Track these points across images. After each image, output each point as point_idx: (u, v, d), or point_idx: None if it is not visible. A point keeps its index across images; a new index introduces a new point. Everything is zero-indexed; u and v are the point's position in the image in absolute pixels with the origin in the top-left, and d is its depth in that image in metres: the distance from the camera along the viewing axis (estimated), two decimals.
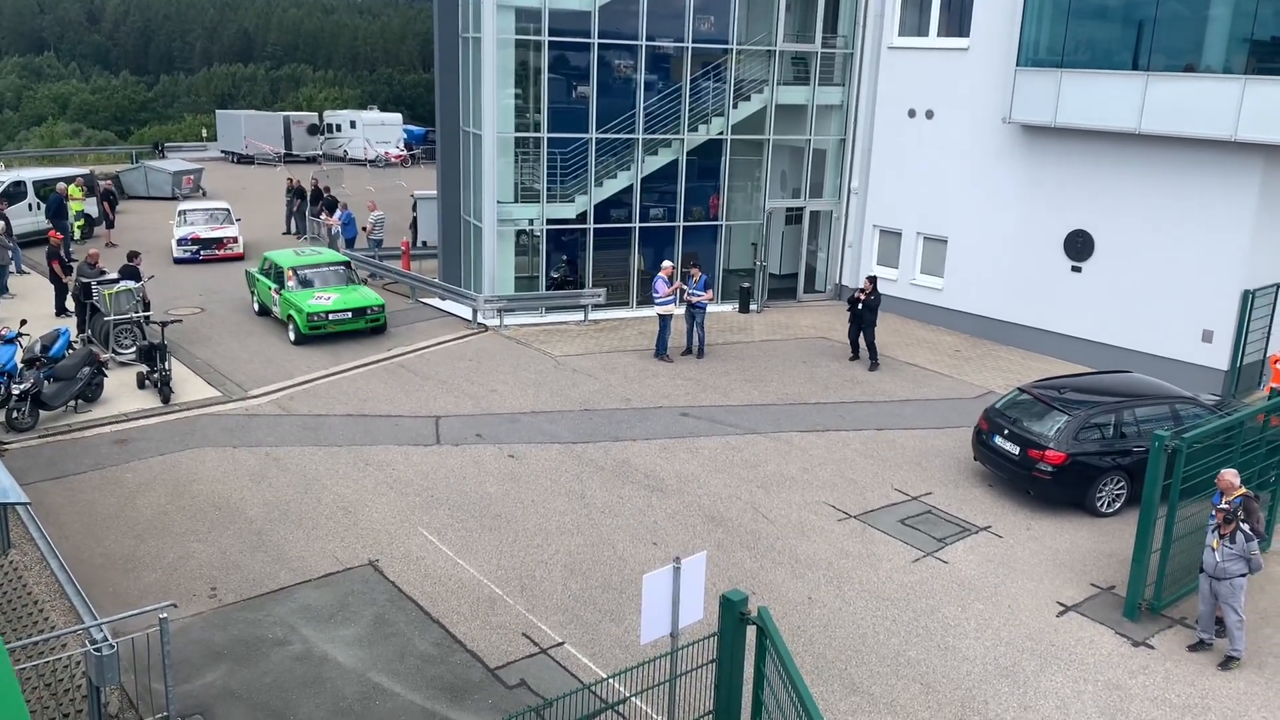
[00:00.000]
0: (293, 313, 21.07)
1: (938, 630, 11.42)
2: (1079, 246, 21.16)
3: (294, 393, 18.44)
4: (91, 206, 32.05)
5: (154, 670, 9.35)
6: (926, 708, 10.09)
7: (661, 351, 20.90)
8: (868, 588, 12.28)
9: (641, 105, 23.65)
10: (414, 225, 31.22)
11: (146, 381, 18.02)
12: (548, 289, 24.42)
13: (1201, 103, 18.43)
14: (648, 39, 23.34)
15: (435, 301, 24.85)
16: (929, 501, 14.68)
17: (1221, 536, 10.63)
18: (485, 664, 10.57)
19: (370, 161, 53.53)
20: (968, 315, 23.42)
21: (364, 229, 29.93)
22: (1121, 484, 14.21)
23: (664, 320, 20.79)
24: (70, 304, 22.07)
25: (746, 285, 25.00)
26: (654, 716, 9.60)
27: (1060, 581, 12.57)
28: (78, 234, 30.15)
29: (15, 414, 16.02)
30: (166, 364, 17.81)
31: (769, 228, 26.33)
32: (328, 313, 21.03)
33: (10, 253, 25.89)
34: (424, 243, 29.90)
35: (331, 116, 59.76)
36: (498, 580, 12.18)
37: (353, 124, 57.07)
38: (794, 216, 27.18)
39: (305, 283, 21.81)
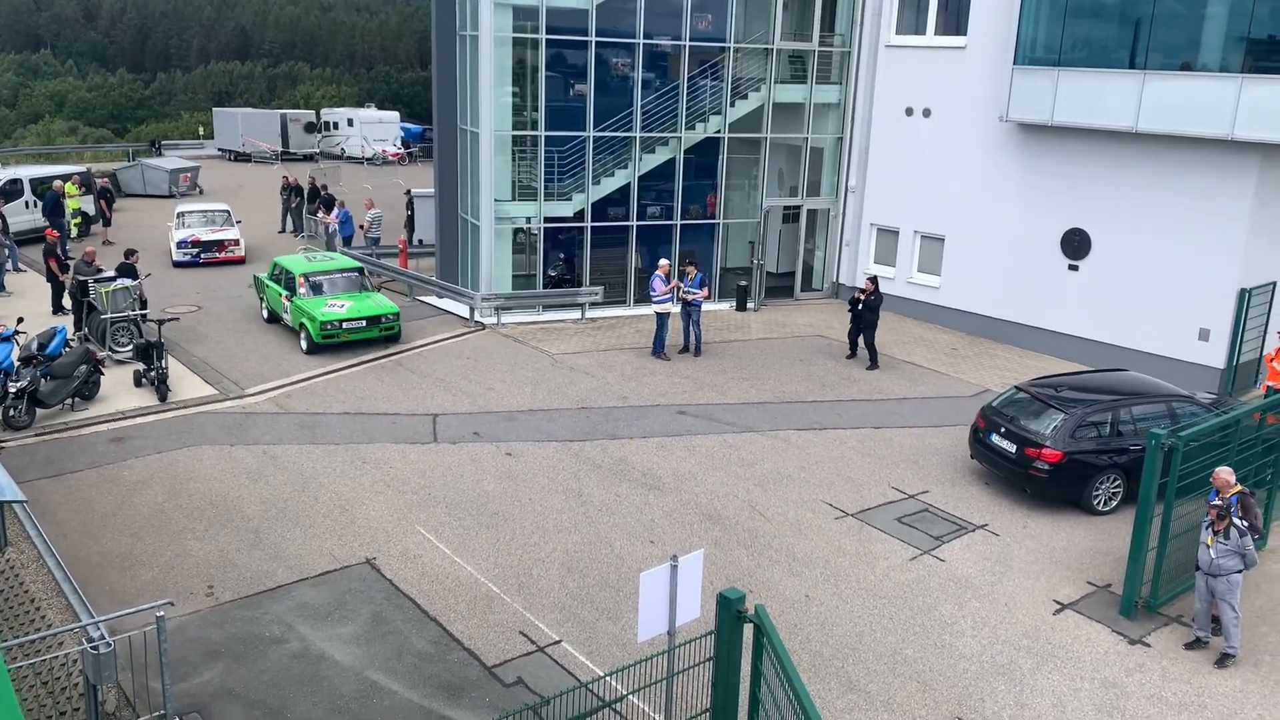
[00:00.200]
0: (305, 321, 20.44)
1: (934, 628, 11.44)
2: (1076, 245, 21.19)
3: (291, 391, 18.43)
4: (88, 204, 32.04)
5: (151, 668, 9.34)
6: (923, 705, 10.10)
7: (659, 349, 20.91)
8: (865, 586, 12.29)
9: (639, 103, 23.65)
10: (409, 223, 31.15)
11: (143, 379, 18.01)
12: (545, 287, 24.42)
13: (1198, 101, 18.45)
14: (645, 37, 23.34)
15: (433, 299, 24.84)
16: (926, 500, 14.70)
17: (1216, 533, 10.66)
18: (482, 662, 10.57)
19: (367, 159, 53.50)
20: (965, 313, 23.45)
21: (361, 227, 29.90)
22: (1118, 482, 14.23)
23: (661, 318, 20.81)
24: (67, 302, 22.05)
25: (744, 283, 25.01)
26: (651, 715, 9.61)
27: (1057, 579, 12.59)
28: (74, 232, 30.13)
29: (12, 412, 16.00)
30: (163, 362, 17.80)
31: (766, 226, 26.35)
32: (341, 321, 20.32)
33: (7, 250, 25.86)
34: (420, 240, 29.87)
35: (329, 114, 59.74)
36: (495, 578, 12.18)
37: (350, 122, 57.06)
38: (791, 215, 27.21)
39: (317, 289, 21.13)
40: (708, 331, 22.00)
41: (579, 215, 23.93)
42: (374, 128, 56.38)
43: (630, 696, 9.17)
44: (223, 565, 12.26)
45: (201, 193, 40.86)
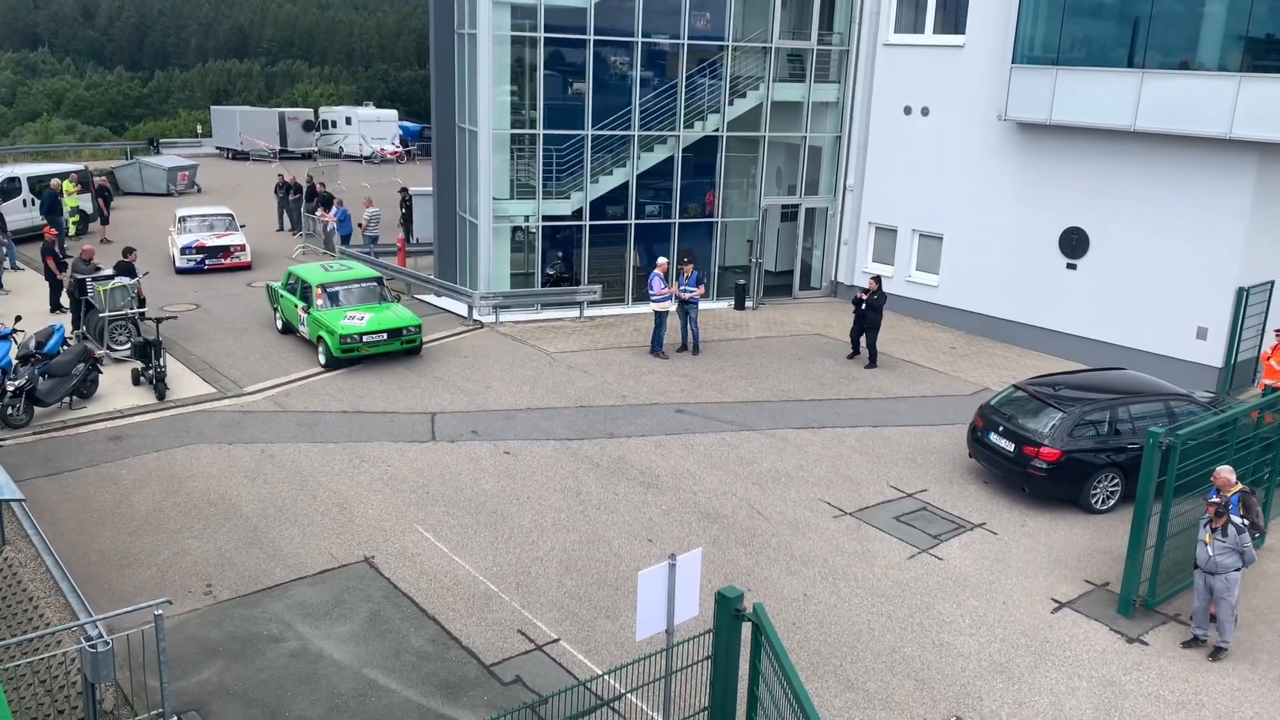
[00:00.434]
0: (323, 334, 19.44)
1: (932, 627, 11.44)
2: (1074, 244, 21.20)
3: (289, 389, 18.42)
4: (86, 203, 32.00)
5: (149, 667, 9.33)
6: (921, 704, 10.11)
7: (657, 348, 20.90)
8: (863, 584, 12.30)
9: (637, 102, 23.64)
10: (405, 221, 31.05)
11: (141, 378, 17.99)
12: (543, 285, 24.42)
13: (1196, 100, 18.46)
14: (643, 35, 23.33)
15: (431, 298, 24.84)
16: (924, 498, 14.70)
17: (1213, 530, 10.67)
18: (480, 660, 10.57)
19: (365, 158, 53.48)
20: (963, 312, 23.45)
21: (359, 225, 29.88)
22: (1116, 481, 14.24)
23: (660, 317, 20.81)
24: (65, 300, 22.03)
25: (742, 282, 25.01)
26: (649, 713, 9.61)
27: (1055, 578, 12.60)
28: (72, 230, 30.11)
29: (10, 410, 15.99)
30: (161, 360, 17.78)
31: (765, 225, 26.35)
32: (361, 334, 19.33)
33: (5, 249, 25.83)
34: (417, 239, 29.84)
35: (327, 113, 59.72)
36: (493, 577, 12.18)
37: (348, 120, 57.03)
38: (789, 213, 27.19)
39: (334, 300, 20.17)
40: (706, 330, 22.01)
41: (577, 214, 23.92)
42: (372, 126, 56.36)
43: (628, 695, 9.17)
44: (221, 564, 12.26)
45: (199, 191, 40.82)
